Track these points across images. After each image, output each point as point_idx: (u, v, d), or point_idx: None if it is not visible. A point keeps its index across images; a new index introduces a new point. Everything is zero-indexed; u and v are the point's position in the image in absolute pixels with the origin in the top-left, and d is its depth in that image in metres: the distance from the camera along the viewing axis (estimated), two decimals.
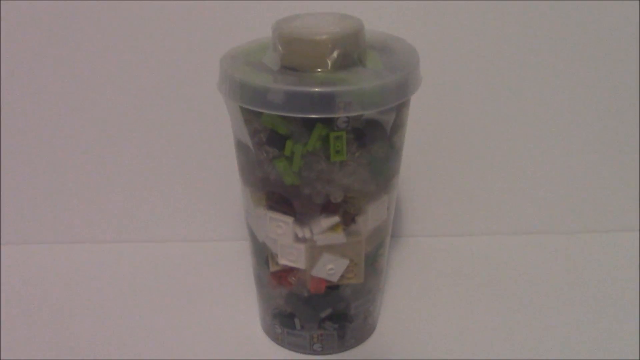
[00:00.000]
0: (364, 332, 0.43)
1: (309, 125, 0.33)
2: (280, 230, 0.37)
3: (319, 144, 0.34)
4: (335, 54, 0.34)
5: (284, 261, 0.38)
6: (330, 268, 0.38)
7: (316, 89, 0.32)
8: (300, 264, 0.38)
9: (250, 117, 0.35)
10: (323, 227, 0.36)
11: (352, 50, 0.35)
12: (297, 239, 0.37)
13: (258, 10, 0.48)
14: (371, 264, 0.40)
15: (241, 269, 0.50)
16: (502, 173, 0.54)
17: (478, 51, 0.50)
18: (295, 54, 0.34)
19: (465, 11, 0.49)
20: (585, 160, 0.54)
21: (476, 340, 0.43)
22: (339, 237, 0.37)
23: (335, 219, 0.36)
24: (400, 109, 0.36)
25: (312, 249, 0.37)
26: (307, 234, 0.37)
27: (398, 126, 0.36)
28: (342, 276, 0.38)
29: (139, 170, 0.53)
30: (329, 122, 0.33)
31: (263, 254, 0.40)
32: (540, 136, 0.53)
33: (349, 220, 0.37)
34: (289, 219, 0.36)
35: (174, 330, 0.44)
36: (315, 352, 0.41)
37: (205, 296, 0.48)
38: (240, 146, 0.37)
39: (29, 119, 0.52)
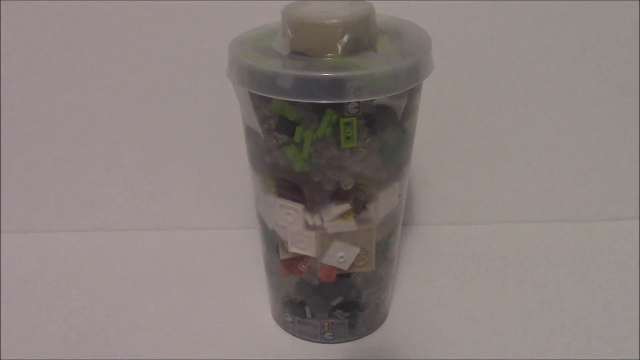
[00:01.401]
0: (375, 321, 0.42)
1: (318, 111, 0.33)
2: (290, 217, 0.37)
3: (329, 130, 0.33)
4: (345, 39, 0.33)
5: (294, 249, 0.38)
6: (341, 256, 0.38)
7: (326, 74, 0.31)
8: (310, 251, 0.37)
9: (259, 103, 0.34)
10: (333, 215, 0.36)
11: (362, 35, 0.34)
12: (308, 227, 0.37)
13: None
14: (382, 252, 0.39)
15: (251, 256, 0.50)
16: (515, 161, 0.53)
17: (491, 37, 0.50)
18: (304, 38, 0.34)
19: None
20: (598, 149, 0.53)
21: (487, 328, 0.43)
22: (349, 224, 0.36)
23: (346, 206, 0.36)
24: (412, 94, 0.35)
25: (322, 237, 0.37)
26: (318, 222, 0.36)
27: (409, 112, 0.36)
28: (353, 264, 0.38)
29: (147, 157, 0.53)
30: (339, 108, 0.33)
31: (273, 242, 0.39)
32: (553, 125, 0.52)
33: (359, 207, 0.36)
34: (299, 207, 0.36)
35: (183, 319, 0.44)
36: (326, 341, 0.41)
37: (216, 284, 0.48)
38: (249, 133, 0.37)
39: (32, 105, 0.52)
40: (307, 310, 0.40)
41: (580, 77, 0.51)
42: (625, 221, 0.54)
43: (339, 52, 0.34)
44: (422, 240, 0.53)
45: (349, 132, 0.33)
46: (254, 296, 0.46)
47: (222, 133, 0.52)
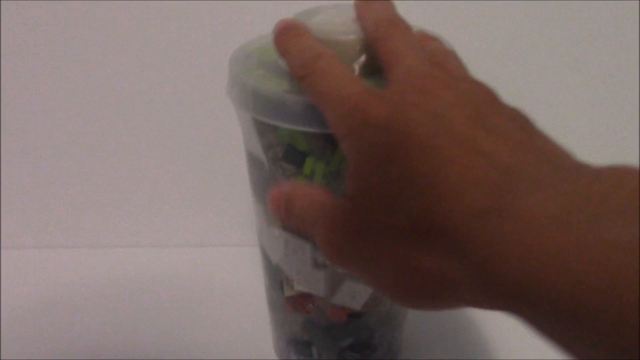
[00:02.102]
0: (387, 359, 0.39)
1: (332, 140, 0.29)
2: (297, 254, 0.33)
3: (344, 164, 0.29)
4: (363, 58, 0.29)
5: (300, 287, 0.34)
6: (353, 296, 0.34)
7: None
8: (319, 291, 0.34)
9: (264, 128, 0.30)
10: None
11: None
12: (316, 265, 0.33)
13: None
14: None
15: (256, 277, 0.45)
16: None
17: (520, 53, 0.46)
18: None
19: (508, 10, 0.44)
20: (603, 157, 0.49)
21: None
22: None
23: None
24: None
25: (332, 276, 0.33)
26: (328, 261, 0.32)
27: None
28: (366, 303, 0.34)
29: (145, 173, 0.50)
30: None
31: (277, 277, 0.35)
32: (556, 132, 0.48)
33: None
34: (307, 243, 0.32)
35: (175, 350, 0.41)
36: None
37: (215, 309, 0.45)
38: (252, 159, 0.33)
39: (33, 122, 0.48)
40: (314, 350, 0.37)
41: (583, 87, 0.48)
42: None
43: (356, 73, 0.29)
44: None
45: None
46: (256, 326, 0.42)
47: (224, 145, 0.48)
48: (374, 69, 0.29)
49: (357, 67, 0.29)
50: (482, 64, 0.45)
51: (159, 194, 0.50)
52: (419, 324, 0.42)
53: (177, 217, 0.50)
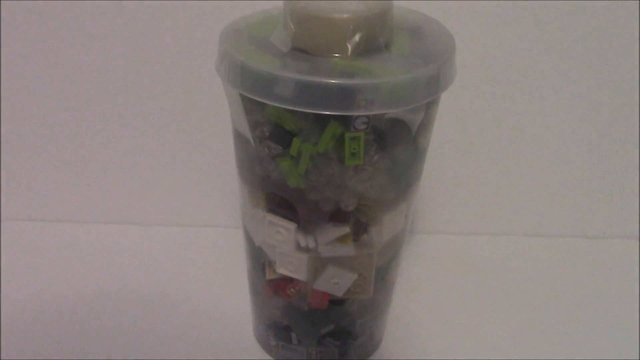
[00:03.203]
0: (368, 349, 0.38)
1: (321, 121, 0.28)
2: (280, 236, 0.32)
3: (332, 145, 0.28)
4: (357, 37, 0.28)
5: (282, 270, 0.33)
6: (336, 282, 0.33)
7: (333, 81, 0.26)
8: (301, 275, 0.33)
9: (251, 106, 0.29)
10: (330, 237, 0.31)
11: (377, 34, 0.29)
12: (299, 248, 0.32)
13: None
14: (382, 277, 0.35)
15: (238, 259, 0.45)
16: (523, 172, 0.49)
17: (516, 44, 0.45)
18: (309, 34, 0.29)
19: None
20: (608, 165, 0.49)
21: (491, 355, 0.39)
22: (347, 249, 0.32)
23: (345, 229, 0.31)
24: (430, 106, 0.30)
25: (315, 260, 0.32)
26: (311, 244, 0.32)
27: (425, 126, 0.31)
28: (349, 290, 0.34)
29: (129, 150, 0.48)
30: (345, 120, 0.28)
31: (259, 260, 0.35)
32: (567, 141, 0.48)
33: (360, 230, 0.32)
34: (291, 225, 0.31)
35: (152, 331, 0.40)
36: None
37: (194, 292, 0.44)
38: (238, 137, 0.32)
39: (31, 101, 0.47)
40: (294, 336, 0.36)
41: (600, 99, 0.47)
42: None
43: (349, 53, 0.29)
44: (422, 250, 0.48)
45: (354, 148, 0.28)
46: (236, 310, 0.42)
47: (212, 125, 0.47)
48: (367, 49, 0.29)
49: (349, 46, 0.28)
50: (480, 60, 0.45)
51: (143, 172, 0.49)
52: (403, 315, 0.42)
53: (161, 195, 0.49)
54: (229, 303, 0.42)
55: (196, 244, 0.48)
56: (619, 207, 0.50)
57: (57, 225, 0.50)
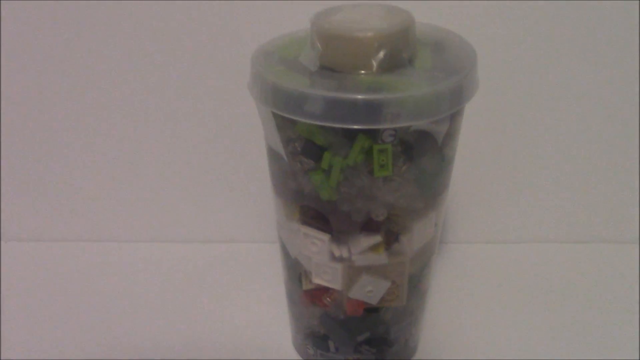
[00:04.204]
0: (404, 356, 0.39)
1: (350, 135, 0.29)
2: (315, 247, 0.33)
3: (361, 158, 0.30)
4: (381, 54, 0.30)
5: (318, 280, 0.35)
6: (370, 290, 0.34)
7: (360, 97, 0.28)
8: (336, 284, 0.34)
9: (283, 123, 0.31)
10: (363, 247, 0.33)
11: (400, 50, 0.30)
12: (334, 258, 0.33)
13: None
14: (415, 285, 0.36)
15: (276, 274, 0.46)
16: (553, 180, 0.50)
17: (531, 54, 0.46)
18: (335, 53, 0.30)
19: (533, 7, 0.45)
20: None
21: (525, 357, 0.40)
22: (380, 257, 0.33)
23: (377, 238, 0.32)
24: (454, 117, 0.31)
25: (349, 269, 0.33)
26: (345, 254, 0.33)
27: (451, 136, 0.32)
28: (383, 298, 0.35)
29: (169, 168, 0.50)
30: (373, 133, 0.29)
31: (295, 271, 0.36)
32: (593, 145, 0.49)
33: (392, 239, 0.33)
34: (325, 236, 0.33)
35: (196, 344, 0.42)
36: None
37: (235, 305, 0.45)
38: (272, 153, 0.33)
39: (43, 112, 0.49)
40: (331, 344, 0.37)
41: (605, 104, 0.48)
42: None
43: (374, 69, 0.30)
44: (453, 260, 0.49)
45: (383, 160, 0.30)
46: (275, 320, 0.43)
47: (246, 143, 0.49)
48: (392, 65, 0.30)
49: (374, 63, 0.30)
50: (523, 80, 0.46)
51: (182, 190, 0.51)
52: (438, 323, 0.43)
53: (198, 213, 0.51)
54: (268, 315, 0.43)
55: (234, 260, 0.50)
56: None
57: (93, 245, 0.52)
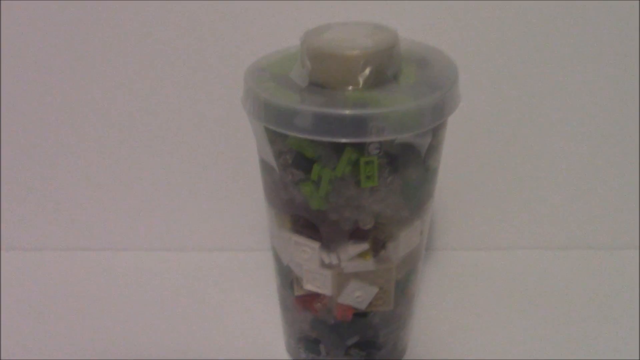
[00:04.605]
0: (392, 358, 0.41)
1: (338, 148, 0.31)
2: (306, 255, 0.35)
3: (349, 169, 0.31)
4: (367, 71, 0.31)
5: (309, 286, 0.36)
6: (358, 295, 0.36)
7: (347, 112, 0.29)
8: (326, 290, 0.36)
9: (275, 137, 0.32)
10: (351, 254, 0.34)
11: (385, 67, 0.32)
12: (324, 265, 0.35)
13: (287, 14, 0.46)
14: (402, 290, 0.37)
15: (268, 281, 0.48)
16: (537, 187, 0.51)
17: (511, 62, 0.48)
18: (324, 70, 0.32)
19: (512, 22, 0.46)
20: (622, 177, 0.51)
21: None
22: (367, 264, 0.35)
23: (364, 245, 0.34)
24: (437, 130, 0.33)
25: (339, 276, 0.35)
26: (334, 261, 0.34)
27: (434, 148, 0.34)
28: (371, 303, 0.36)
29: (163, 178, 0.52)
30: (359, 146, 0.31)
31: (288, 277, 0.37)
32: (575, 152, 0.50)
33: (378, 247, 0.34)
34: (315, 244, 0.34)
35: (192, 348, 0.43)
36: None
37: (229, 311, 0.46)
38: (264, 166, 0.35)
39: (44, 120, 0.50)
40: (322, 348, 0.39)
41: (600, 111, 0.49)
42: None
43: (360, 85, 0.32)
44: (441, 266, 0.51)
45: (369, 172, 0.31)
46: (268, 325, 0.44)
47: (239, 155, 0.50)
48: (377, 81, 0.32)
49: (361, 80, 0.31)
50: (505, 91, 0.48)
51: (178, 200, 0.52)
52: (426, 326, 0.44)
53: (194, 222, 0.53)
54: (261, 320, 0.45)
55: (229, 267, 0.51)
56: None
57: (89, 253, 0.53)
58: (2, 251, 0.53)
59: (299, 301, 0.38)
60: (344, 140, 0.30)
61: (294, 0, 0.46)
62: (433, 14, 0.46)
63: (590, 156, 0.50)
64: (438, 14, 0.46)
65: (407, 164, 0.32)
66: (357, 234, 0.34)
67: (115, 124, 0.50)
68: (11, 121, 0.50)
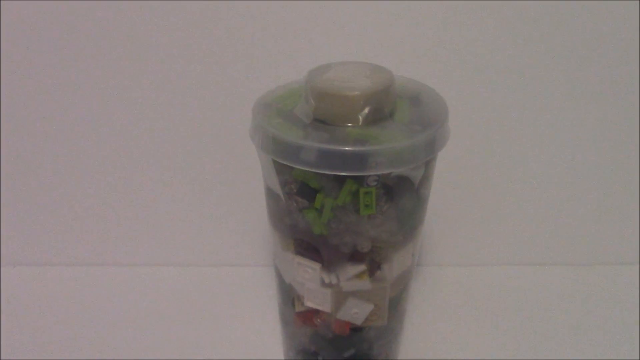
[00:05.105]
0: None
1: (339, 180, 0.34)
2: (308, 275, 0.38)
3: (349, 199, 0.34)
4: (366, 110, 0.35)
5: (309, 304, 0.39)
6: (355, 312, 0.39)
7: (349, 149, 0.33)
8: (326, 307, 0.39)
9: (281, 168, 0.35)
10: (349, 275, 0.37)
11: (383, 105, 0.35)
12: (324, 284, 0.38)
13: (287, 51, 0.49)
14: (394, 306, 0.41)
15: (268, 296, 0.51)
16: (522, 205, 0.55)
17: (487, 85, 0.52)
18: (327, 108, 0.35)
19: (494, 61, 0.50)
20: (603, 195, 0.55)
21: None
22: (364, 283, 0.38)
23: (362, 267, 0.37)
24: (429, 163, 0.36)
25: (338, 294, 0.38)
26: (334, 280, 0.37)
27: (425, 178, 0.37)
28: (367, 319, 0.39)
29: (166, 194, 0.55)
30: (359, 178, 0.34)
31: (289, 295, 0.41)
32: (558, 169, 0.54)
33: (375, 268, 0.38)
34: (317, 265, 0.37)
35: (195, 355, 0.46)
36: None
37: (230, 325, 0.49)
38: (270, 193, 0.38)
39: (41, 136, 0.53)
40: None
41: (586, 136, 0.53)
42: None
43: (360, 123, 0.35)
44: (429, 282, 0.54)
45: (368, 201, 0.35)
46: (268, 339, 0.47)
47: (246, 182, 0.53)
48: (375, 118, 0.35)
49: (361, 118, 0.35)
50: (489, 115, 0.51)
51: (182, 217, 0.55)
52: (415, 339, 0.47)
53: (198, 238, 0.56)
54: (261, 333, 0.48)
55: (231, 282, 0.54)
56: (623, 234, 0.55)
57: (89, 269, 0.55)
58: (1, 267, 0.55)
59: (300, 317, 0.41)
60: (345, 174, 0.33)
61: (291, 39, 0.49)
62: (418, 48, 0.50)
63: (574, 173, 0.54)
64: (425, 49, 0.50)
65: (401, 193, 0.36)
66: (355, 256, 0.37)
67: (125, 143, 0.53)
68: (13, 130, 0.52)
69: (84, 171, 0.54)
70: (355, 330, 0.40)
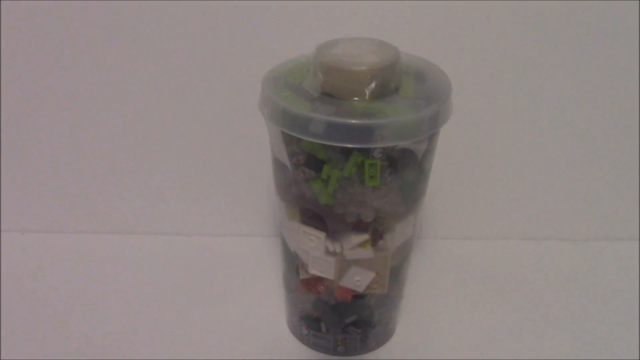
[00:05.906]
0: (384, 336, 0.45)
1: (346, 152, 0.35)
2: (312, 243, 0.39)
3: (355, 170, 0.36)
4: (373, 85, 0.36)
5: (314, 271, 0.41)
6: (357, 280, 0.40)
7: (356, 121, 0.34)
8: (329, 274, 0.40)
9: (290, 140, 0.37)
10: (353, 243, 0.39)
11: (388, 81, 0.37)
12: (328, 253, 0.39)
13: (298, 26, 0.50)
14: (395, 275, 0.42)
15: (272, 265, 0.52)
16: (524, 178, 0.56)
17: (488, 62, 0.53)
18: (334, 82, 0.36)
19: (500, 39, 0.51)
20: (600, 171, 0.56)
21: (490, 342, 0.46)
22: (367, 252, 0.39)
23: (365, 236, 0.39)
24: (432, 137, 0.38)
25: (341, 262, 0.40)
26: (338, 249, 0.39)
27: (428, 152, 0.38)
28: (368, 287, 0.41)
29: (168, 161, 0.56)
30: (365, 151, 0.35)
31: (294, 263, 0.42)
32: (559, 145, 0.55)
33: (377, 237, 0.39)
34: (321, 234, 0.39)
35: (199, 326, 0.47)
36: (338, 354, 0.44)
37: (235, 292, 0.51)
38: (277, 164, 0.39)
39: (47, 107, 0.54)
40: (323, 325, 0.43)
41: (586, 109, 0.54)
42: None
43: (367, 97, 0.36)
44: (429, 254, 0.55)
45: (372, 173, 0.36)
46: (271, 305, 0.49)
47: (254, 153, 0.54)
48: (381, 93, 0.36)
49: (367, 92, 0.36)
50: (492, 93, 0.52)
51: (191, 188, 0.56)
52: (414, 308, 0.49)
53: (206, 208, 0.57)
54: (265, 300, 0.49)
55: (236, 251, 0.55)
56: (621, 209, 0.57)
57: (93, 236, 0.57)
58: (1, 233, 0.56)
59: (304, 284, 0.42)
60: (352, 146, 0.34)
61: (301, 15, 0.50)
62: (428, 24, 0.51)
63: (574, 148, 0.55)
64: (431, 27, 0.51)
65: (405, 166, 0.37)
66: (359, 226, 0.38)
67: (133, 113, 0.54)
68: (10, 106, 0.53)
69: (90, 138, 0.55)
70: (357, 297, 0.42)
